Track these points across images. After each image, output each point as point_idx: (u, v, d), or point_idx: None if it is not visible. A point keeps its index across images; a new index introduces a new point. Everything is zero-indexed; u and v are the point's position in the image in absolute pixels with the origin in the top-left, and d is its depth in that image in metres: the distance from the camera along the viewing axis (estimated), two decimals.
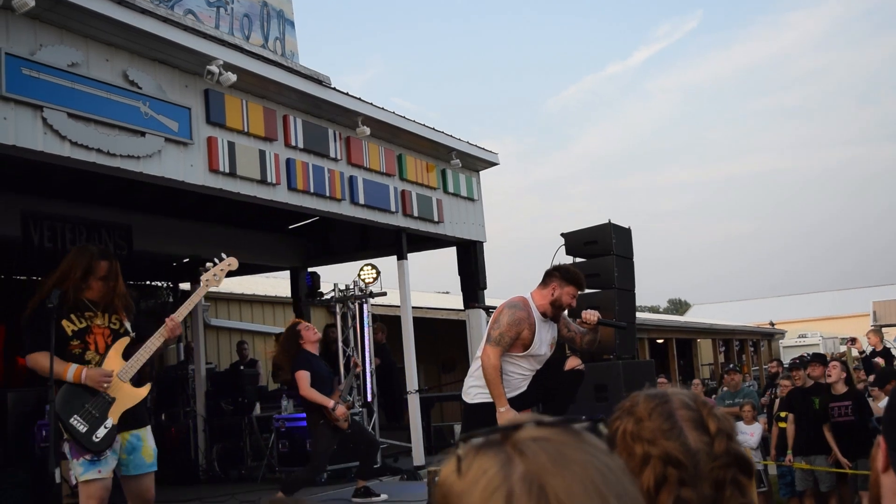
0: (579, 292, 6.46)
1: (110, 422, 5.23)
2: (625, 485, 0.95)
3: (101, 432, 5.18)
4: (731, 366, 13.78)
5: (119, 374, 5.31)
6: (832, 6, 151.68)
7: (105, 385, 5.22)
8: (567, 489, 0.90)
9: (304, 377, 8.39)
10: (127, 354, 5.40)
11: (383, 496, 8.96)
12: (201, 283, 5.80)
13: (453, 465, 0.98)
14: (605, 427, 1.04)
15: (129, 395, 5.34)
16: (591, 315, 6.42)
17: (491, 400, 6.13)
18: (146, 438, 5.45)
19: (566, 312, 6.54)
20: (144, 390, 5.43)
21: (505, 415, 6.04)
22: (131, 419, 5.36)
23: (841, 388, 8.97)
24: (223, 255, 5.86)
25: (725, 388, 11.74)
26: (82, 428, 5.16)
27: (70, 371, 5.20)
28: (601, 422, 1.04)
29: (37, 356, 5.22)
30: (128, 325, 5.52)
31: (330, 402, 8.33)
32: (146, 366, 5.46)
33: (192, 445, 12.36)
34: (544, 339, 6.33)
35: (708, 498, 1.47)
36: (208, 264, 5.82)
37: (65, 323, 5.30)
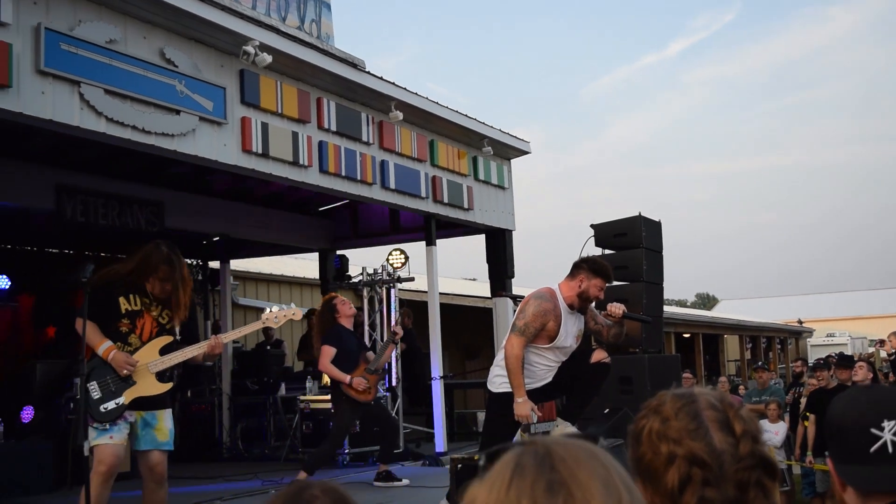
0: (607, 284, 6.43)
1: (122, 400, 5.40)
2: (619, 465, 1.12)
3: (111, 406, 5.37)
4: (760, 363, 13.70)
5: (149, 365, 5.50)
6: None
7: (125, 371, 5.40)
8: (569, 452, 1.09)
9: (327, 352, 8.48)
10: (164, 351, 5.59)
11: (405, 481, 8.99)
12: (261, 318, 6.11)
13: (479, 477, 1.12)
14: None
15: (148, 385, 5.51)
16: (616, 308, 6.39)
17: None
18: (162, 419, 5.59)
19: (594, 305, 6.51)
20: (164, 387, 5.61)
21: (521, 405, 6.03)
22: (146, 403, 5.52)
23: None
24: (292, 304, 6.22)
25: (755, 384, 11.72)
26: (95, 395, 5.37)
27: (103, 347, 5.42)
28: (600, 437, 1.23)
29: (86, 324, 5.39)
30: (177, 325, 5.70)
31: (345, 378, 8.41)
32: (175, 367, 5.71)
33: (216, 423, 12.49)
34: (570, 332, 6.31)
35: (732, 499, 1.47)
36: (275, 308, 6.15)
37: (121, 300, 5.53)
